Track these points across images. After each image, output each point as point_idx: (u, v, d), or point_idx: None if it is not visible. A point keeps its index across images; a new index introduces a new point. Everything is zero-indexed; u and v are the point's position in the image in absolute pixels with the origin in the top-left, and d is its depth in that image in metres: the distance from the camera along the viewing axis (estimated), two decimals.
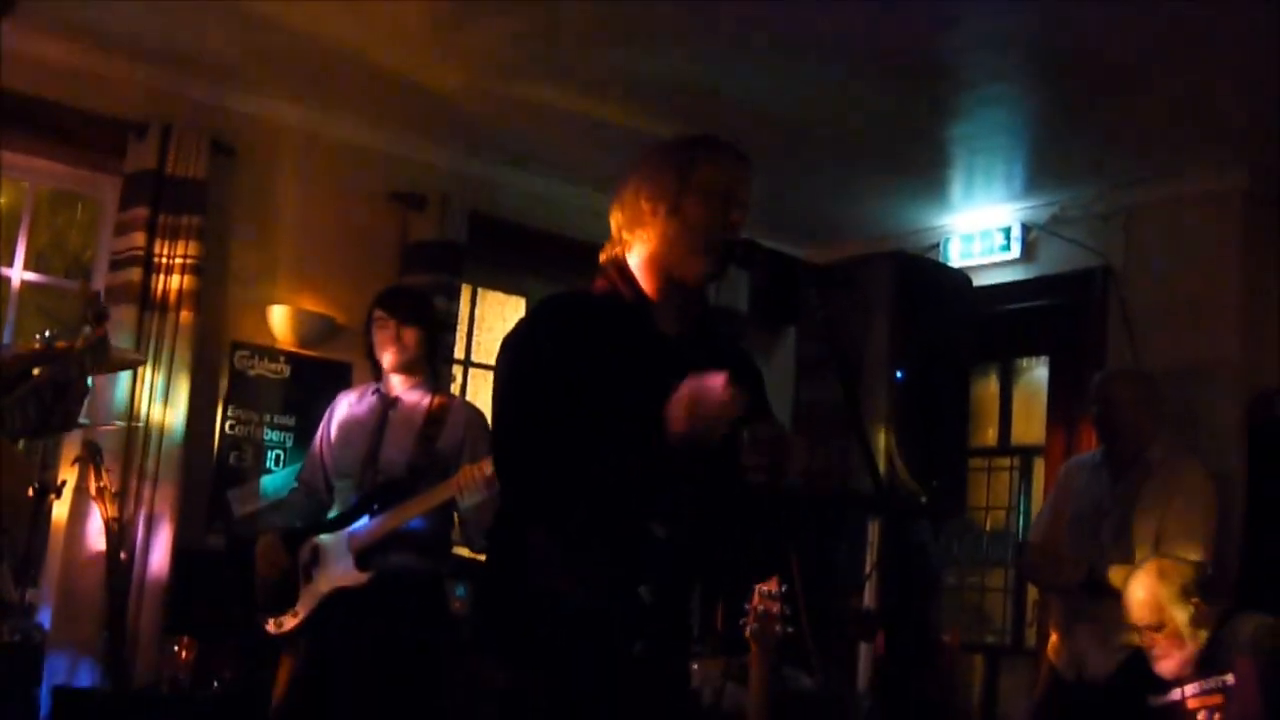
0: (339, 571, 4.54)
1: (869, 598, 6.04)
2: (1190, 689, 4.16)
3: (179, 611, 5.48)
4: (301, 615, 4.58)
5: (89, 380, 2.17)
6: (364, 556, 4.52)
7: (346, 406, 4.86)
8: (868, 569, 5.97)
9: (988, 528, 7.05)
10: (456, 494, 4.45)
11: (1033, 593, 6.52)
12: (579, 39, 5.22)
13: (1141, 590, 4.26)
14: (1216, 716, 4.07)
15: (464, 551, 5.08)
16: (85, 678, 5.24)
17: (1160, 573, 4.27)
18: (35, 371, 2.02)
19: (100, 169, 5.83)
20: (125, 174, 5.68)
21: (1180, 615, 4.17)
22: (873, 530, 6.03)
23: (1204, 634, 4.17)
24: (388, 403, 4.75)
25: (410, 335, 4.72)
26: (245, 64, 5.74)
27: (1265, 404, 5.63)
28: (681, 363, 2.58)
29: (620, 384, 2.59)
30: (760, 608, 4.16)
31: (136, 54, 5.66)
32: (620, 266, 2.80)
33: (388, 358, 4.74)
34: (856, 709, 5.77)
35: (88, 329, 2.18)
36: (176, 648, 5.33)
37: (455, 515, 4.68)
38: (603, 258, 2.86)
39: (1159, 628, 4.21)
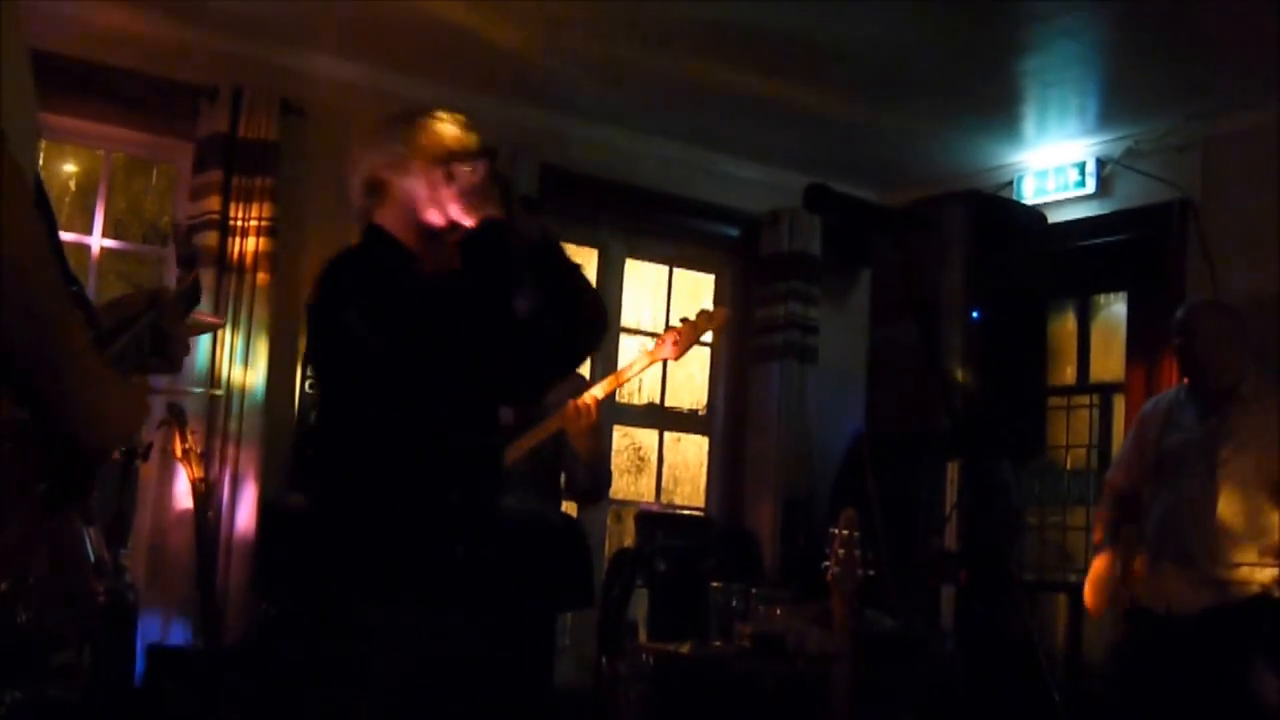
0: None
1: (950, 538, 6.03)
2: None
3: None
4: None
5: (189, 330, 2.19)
6: None
7: None
8: (948, 509, 5.97)
9: (1068, 466, 7.00)
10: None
11: None
12: None
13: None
14: None
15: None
16: (178, 636, 5.34)
17: None
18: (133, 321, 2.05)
19: (173, 134, 5.89)
20: (198, 138, 5.73)
21: None
22: (952, 470, 6.01)
23: None
24: None
25: None
26: (311, 25, 5.76)
27: None
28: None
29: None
30: (841, 551, 4.16)
31: (204, 19, 5.70)
32: None
33: None
34: (940, 650, 5.77)
35: (181, 273, 2.22)
36: (265, 605, 5.42)
37: None
38: None
39: None
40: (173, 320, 2.14)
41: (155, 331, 2.09)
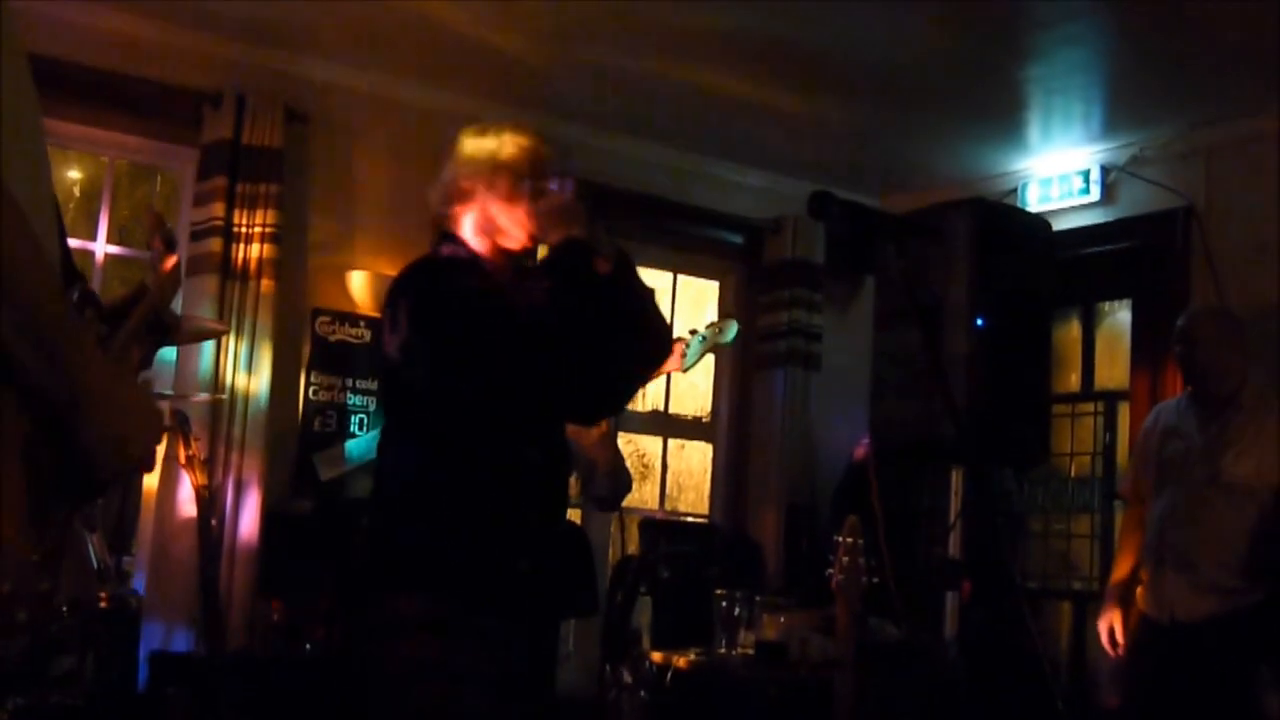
0: None
1: (954, 547, 6.01)
2: None
3: (269, 575, 5.56)
4: None
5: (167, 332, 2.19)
6: None
7: None
8: (952, 518, 5.95)
9: (1073, 474, 7.00)
10: None
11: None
12: None
13: None
14: None
15: None
16: (181, 642, 5.33)
17: None
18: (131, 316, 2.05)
19: (177, 140, 5.89)
20: (202, 144, 5.73)
21: None
22: (956, 478, 5.99)
23: None
24: None
25: None
26: (315, 31, 5.77)
27: None
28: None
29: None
30: (845, 559, 4.15)
31: (208, 25, 5.71)
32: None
33: None
34: (943, 658, 5.76)
35: (156, 252, 2.19)
36: (268, 611, 5.42)
37: None
38: None
39: None
40: (164, 304, 2.14)
41: (149, 327, 2.08)
